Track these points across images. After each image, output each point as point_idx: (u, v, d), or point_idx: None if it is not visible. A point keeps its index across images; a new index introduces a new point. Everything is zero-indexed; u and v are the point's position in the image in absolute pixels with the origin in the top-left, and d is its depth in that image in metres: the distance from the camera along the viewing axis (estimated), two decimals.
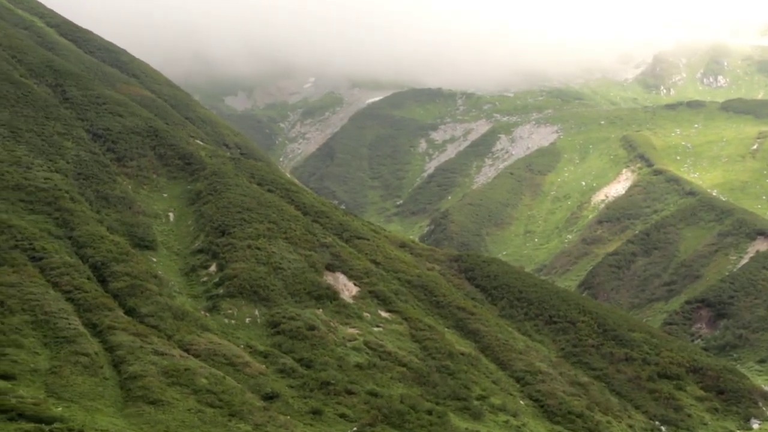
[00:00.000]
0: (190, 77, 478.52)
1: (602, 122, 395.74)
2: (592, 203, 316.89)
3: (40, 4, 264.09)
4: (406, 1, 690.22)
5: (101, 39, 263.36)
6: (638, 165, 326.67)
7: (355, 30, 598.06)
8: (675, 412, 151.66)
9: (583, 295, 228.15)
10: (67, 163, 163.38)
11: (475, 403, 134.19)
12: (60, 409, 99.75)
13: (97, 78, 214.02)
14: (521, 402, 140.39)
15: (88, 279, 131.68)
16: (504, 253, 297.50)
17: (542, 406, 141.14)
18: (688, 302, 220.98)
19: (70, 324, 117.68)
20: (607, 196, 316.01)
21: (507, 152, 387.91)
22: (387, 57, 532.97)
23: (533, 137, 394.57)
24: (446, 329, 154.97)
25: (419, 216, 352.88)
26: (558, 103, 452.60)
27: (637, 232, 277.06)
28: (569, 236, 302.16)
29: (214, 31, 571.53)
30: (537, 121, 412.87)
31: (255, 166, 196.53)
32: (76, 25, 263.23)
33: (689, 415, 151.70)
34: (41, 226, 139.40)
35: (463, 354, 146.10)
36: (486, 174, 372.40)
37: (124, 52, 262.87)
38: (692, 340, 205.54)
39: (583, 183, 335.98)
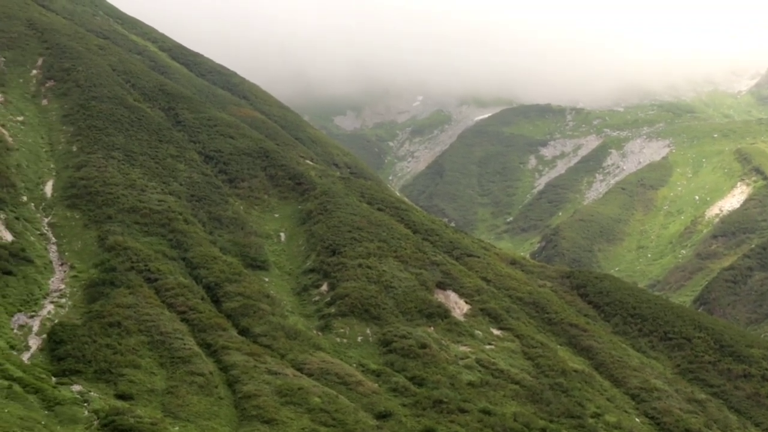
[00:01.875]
0: (293, 98, 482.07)
1: (715, 135, 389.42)
2: (706, 217, 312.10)
3: (153, 29, 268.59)
4: (509, 18, 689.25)
5: (212, 62, 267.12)
6: (753, 178, 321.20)
7: (460, 47, 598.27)
8: None
9: (699, 310, 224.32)
10: (180, 185, 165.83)
11: (590, 420, 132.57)
12: (177, 428, 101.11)
13: (209, 100, 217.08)
14: (637, 419, 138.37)
15: (202, 299, 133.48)
16: (616, 269, 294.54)
17: (658, 424, 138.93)
18: None
19: (185, 344, 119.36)
20: (721, 210, 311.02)
21: (618, 167, 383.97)
22: (492, 74, 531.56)
23: (644, 152, 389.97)
24: (559, 346, 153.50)
25: (530, 233, 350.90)
26: (669, 116, 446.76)
27: (753, 246, 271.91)
28: (683, 251, 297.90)
29: (313, 53, 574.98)
30: (648, 135, 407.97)
31: (365, 185, 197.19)
32: (187, 48, 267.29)
33: None
34: (156, 248, 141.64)
35: (576, 371, 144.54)
36: (597, 189, 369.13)
37: (234, 74, 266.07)
38: None
39: (697, 197, 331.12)
